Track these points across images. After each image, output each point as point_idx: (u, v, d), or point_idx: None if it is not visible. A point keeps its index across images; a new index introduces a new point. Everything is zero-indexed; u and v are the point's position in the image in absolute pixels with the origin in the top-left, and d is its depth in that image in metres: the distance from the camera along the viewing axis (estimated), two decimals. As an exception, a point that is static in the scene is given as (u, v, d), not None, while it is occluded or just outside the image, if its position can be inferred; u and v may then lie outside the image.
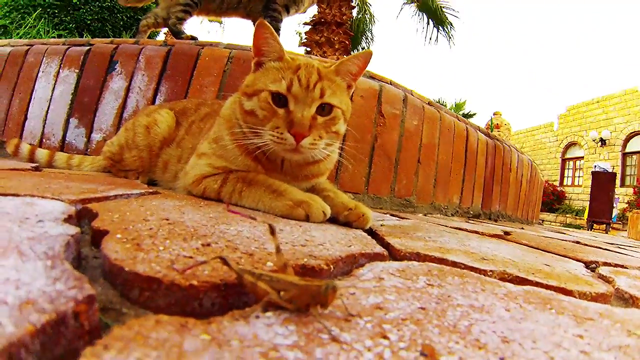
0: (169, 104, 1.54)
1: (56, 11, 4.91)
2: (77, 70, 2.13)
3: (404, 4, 8.14)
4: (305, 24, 6.88)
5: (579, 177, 17.14)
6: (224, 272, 0.35)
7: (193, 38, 2.34)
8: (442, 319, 0.35)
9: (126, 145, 1.37)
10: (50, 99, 2.16)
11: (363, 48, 9.32)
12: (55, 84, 2.16)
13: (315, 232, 0.72)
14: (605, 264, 1.05)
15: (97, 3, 5.16)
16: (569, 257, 1.06)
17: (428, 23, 8.17)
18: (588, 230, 11.19)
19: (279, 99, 0.91)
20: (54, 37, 4.26)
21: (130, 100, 2.00)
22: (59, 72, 2.17)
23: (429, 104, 2.43)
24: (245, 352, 0.24)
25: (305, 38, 6.80)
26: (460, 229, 1.40)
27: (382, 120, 2.05)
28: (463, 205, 2.63)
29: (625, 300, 0.68)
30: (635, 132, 14.42)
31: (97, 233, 0.49)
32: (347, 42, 6.62)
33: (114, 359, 0.20)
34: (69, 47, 2.23)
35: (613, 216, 11.42)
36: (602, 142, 15.37)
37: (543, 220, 14.73)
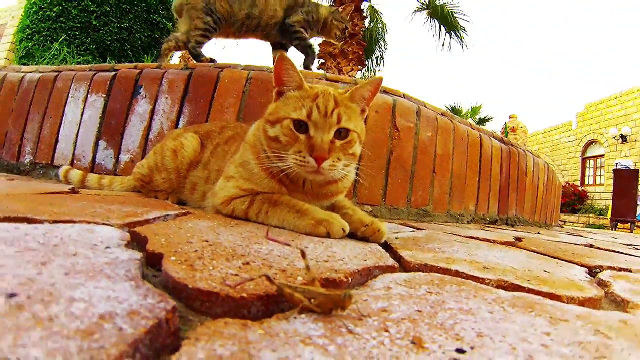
0: (194, 127, 1.66)
1: (77, 33, 5.09)
2: (104, 95, 2.28)
3: (415, 11, 8.26)
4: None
5: (600, 175, 17.06)
6: (265, 286, 0.45)
7: (212, 60, 2.47)
8: (433, 319, 0.44)
9: (156, 168, 1.49)
10: (80, 122, 2.31)
11: (377, 57, 9.46)
12: (84, 108, 2.32)
13: (336, 248, 0.82)
14: (611, 268, 1.10)
15: (117, 24, 5.34)
16: (575, 263, 1.13)
17: (440, 29, 8.28)
18: (612, 230, 11.02)
19: (300, 126, 1.03)
20: (79, 61, 4.45)
21: (155, 123, 2.13)
22: (87, 97, 2.33)
23: (443, 114, 2.52)
24: (290, 340, 0.34)
25: (320, 50, 6.95)
26: (473, 237, 1.48)
27: (397, 133, 2.15)
28: (479, 212, 2.70)
29: (618, 303, 0.74)
30: (656, 126, 14.39)
31: (152, 256, 0.59)
32: (360, 53, 6.76)
33: (205, 347, 0.30)
34: (95, 73, 2.38)
35: (638, 214, 11.25)
36: (623, 139, 15.27)
37: (565, 222, 14.61)
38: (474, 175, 2.64)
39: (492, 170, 2.82)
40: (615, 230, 11.06)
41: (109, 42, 5.24)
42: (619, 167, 12.29)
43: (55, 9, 4.99)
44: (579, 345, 0.42)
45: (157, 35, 5.80)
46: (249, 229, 0.90)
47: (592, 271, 1.05)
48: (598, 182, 17.11)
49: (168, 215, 1.01)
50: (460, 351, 0.35)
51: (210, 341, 0.31)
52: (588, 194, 16.77)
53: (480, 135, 2.73)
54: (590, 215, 14.53)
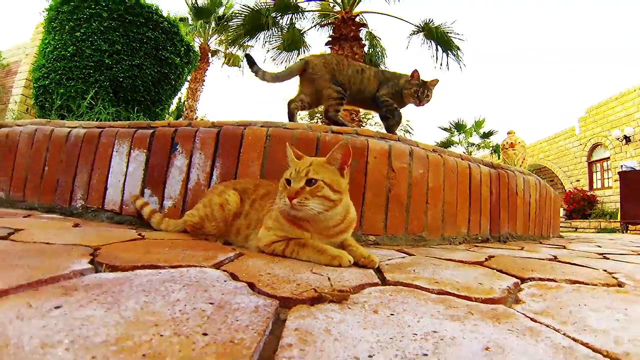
0: (232, 183, 2.27)
1: (91, 72, 5.71)
2: (145, 151, 2.88)
3: (411, 33, 9.01)
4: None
5: (608, 178, 17.76)
6: (312, 293, 1.05)
7: (343, 124, 3.26)
8: (386, 305, 1.02)
9: (206, 218, 2.10)
10: (126, 173, 2.90)
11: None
12: (128, 161, 2.91)
13: (345, 273, 1.41)
14: (540, 279, 1.55)
15: (128, 62, 5.96)
16: (515, 276, 1.60)
17: (437, 49, 9.08)
18: (623, 232, 11.52)
19: (288, 181, 1.70)
20: (110, 112, 5.11)
21: (192, 174, 2.72)
22: (130, 152, 2.92)
23: (433, 150, 3.11)
24: (325, 309, 0.92)
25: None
26: (450, 259, 2.01)
27: (393, 174, 2.73)
28: (471, 233, 3.26)
29: (517, 301, 1.17)
30: (659, 123, 15.09)
31: (248, 283, 1.18)
32: (361, 80, 7.45)
33: (297, 312, 0.90)
34: (136, 130, 2.98)
35: None
36: (627, 139, 15.89)
37: (577, 228, 15.07)
38: (464, 201, 3.21)
39: (481, 194, 3.39)
40: (626, 232, 11.53)
41: (121, 79, 5.91)
42: (624, 169, 12.80)
43: (69, 49, 5.67)
44: (450, 316, 0.99)
45: (165, 70, 6.48)
46: (288, 264, 1.50)
47: (523, 281, 1.50)
48: (606, 185, 17.76)
49: (230, 256, 1.61)
50: (391, 314, 0.94)
51: (297, 311, 0.91)
52: (597, 198, 17.36)
53: (468, 164, 3.32)
54: (601, 220, 15.04)
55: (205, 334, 0.74)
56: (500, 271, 1.74)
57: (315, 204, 1.65)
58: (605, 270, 1.97)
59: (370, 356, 0.69)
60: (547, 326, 0.95)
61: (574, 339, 0.86)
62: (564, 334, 0.89)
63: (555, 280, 1.57)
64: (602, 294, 1.38)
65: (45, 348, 0.62)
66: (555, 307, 1.14)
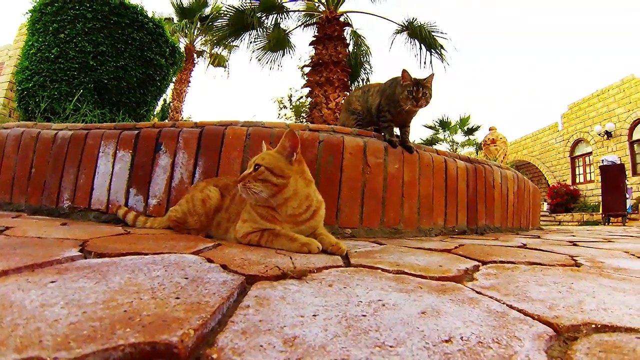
0: (213, 180, 2.40)
1: (75, 74, 5.69)
2: (130, 151, 2.99)
3: (395, 32, 9.20)
4: (305, 66, 7.93)
5: (590, 172, 18.32)
6: (276, 272, 1.19)
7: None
8: (343, 281, 1.16)
9: (189, 213, 2.23)
10: (112, 173, 3.01)
11: (362, 80, 10.47)
12: (114, 162, 3.02)
13: (312, 258, 1.55)
14: (501, 262, 1.68)
15: (112, 63, 5.98)
16: (478, 259, 1.71)
17: (421, 48, 9.28)
18: (605, 224, 11.93)
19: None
20: (95, 114, 5.19)
21: (176, 173, 2.85)
22: (116, 152, 3.03)
23: (409, 147, 3.25)
24: (286, 284, 1.06)
25: (307, 79, 7.80)
26: (419, 248, 2.14)
27: (368, 169, 2.87)
28: (448, 225, 3.40)
29: (471, 279, 1.41)
30: (639, 119, 15.47)
31: (222, 265, 1.32)
32: (345, 79, 7.65)
33: (260, 285, 1.04)
34: (121, 132, 3.09)
35: (628, 207, 12.15)
36: (608, 134, 16.47)
37: (561, 222, 15.45)
38: (440, 194, 3.36)
39: (458, 188, 3.53)
40: (608, 224, 11.94)
41: (106, 81, 5.91)
42: (605, 163, 13.23)
43: (53, 51, 5.67)
44: (399, 289, 1.14)
45: (151, 72, 6.53)
46: (262, 252, 1.64)
47: (484, 264, 1.62)
48: (589, 179, 18.34)
49: (210, 246, 1.74)
50: (344, 288, 1.08)
51: (260, 284, 1.05)
52: (580, 192, 17.88)
53: (444, 158, 3.46)
54: (584, 213, 15.52)
55: (177, 298, 0.88)
56: (465, 256, 1.85)
57: (258, 187, 1.81)
58: (568, 255, 2.10)
59: (314, 315, 0.83)
60: (490, 297, 1.04)
61: (510, 306, 0.96)
62: (502, 303, 0.99)
63: (514, 263, 1.69)
64: (555, 272, 1.50)
65: (44, 307, 0.76)
66: (504, 283, 1.25)
